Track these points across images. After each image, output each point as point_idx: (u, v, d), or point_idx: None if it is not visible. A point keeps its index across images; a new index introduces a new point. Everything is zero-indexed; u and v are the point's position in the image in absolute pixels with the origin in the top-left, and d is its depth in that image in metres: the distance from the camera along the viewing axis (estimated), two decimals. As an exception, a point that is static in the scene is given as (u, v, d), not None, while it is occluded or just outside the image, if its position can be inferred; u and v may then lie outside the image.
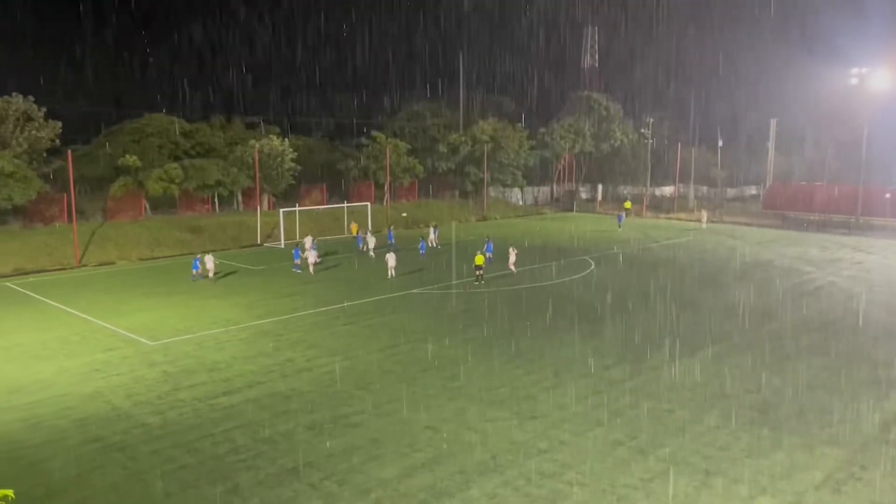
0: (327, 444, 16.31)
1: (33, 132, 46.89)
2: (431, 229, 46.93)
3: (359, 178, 62.68)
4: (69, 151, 43.19)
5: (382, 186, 60.88)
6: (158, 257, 42.79)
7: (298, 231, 47.42)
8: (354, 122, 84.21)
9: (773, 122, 72.75)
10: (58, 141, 48.54)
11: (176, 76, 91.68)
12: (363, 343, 24.42)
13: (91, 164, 52.40)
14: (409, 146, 65.30)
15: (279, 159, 55.25)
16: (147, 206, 51.16)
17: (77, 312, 28.87)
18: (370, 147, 62.97)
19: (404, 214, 41.64)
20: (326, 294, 32.19)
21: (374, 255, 41.58)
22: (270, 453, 15.83)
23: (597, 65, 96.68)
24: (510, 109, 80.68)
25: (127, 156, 50.24)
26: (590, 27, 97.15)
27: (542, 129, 77.96)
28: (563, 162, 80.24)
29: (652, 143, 76.65)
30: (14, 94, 46.78)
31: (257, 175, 52.65)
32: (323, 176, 62.24)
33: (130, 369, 21.63)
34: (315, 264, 37.35)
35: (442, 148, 68.73)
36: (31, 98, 47.23)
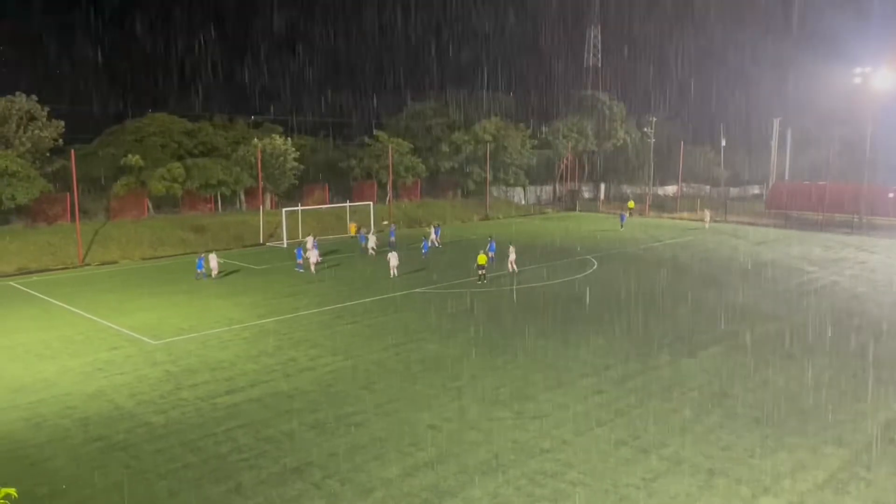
0: (330, 443, 16.31)
1: (36, 132, 46.96)
2: (432, 229, 46.98)
3: (361, 178, 62.72)
4: (72, 151, 43.29)
5: (385, 186, 60.90)
6: (161, 257, 42.86)
7: (301, 230, 47.46)
8: (357, 121, 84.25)
9: (776, 122, 72.69)
10: (61, 140, 48.59)
11: (178, 75, 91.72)
12: (366, 342, 24.43)
13: (94, 163, 52.47)
14: (412, 145, 65.33)
15: (282, 159, 55.29)
16: (150, 206, 51.25)
17: (80, 312, 28.92)
18: (372, 146, 63.01)
19: (385, 222, 42.47)
20: (329, 293, 32.21)
21: (373, 253, 41.94)
22: (273, 452, 15.84)
23: (599, 64, 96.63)
24: (513, 108, 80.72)
25: (130, 155, 50.31)
26: (592, 26, 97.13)
27: (545, 129, 77.94)
28: (565, 161, 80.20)
29: (654, 143, 76.58)
30: (17, 93, 46.87)
31: (260, 174, 52.69)
32: (325, 175, 62.30)
33: (133, 368, 21.66)
34: (316, 264, 37.40)
35: (444, 147, 68.73)
36: (35, 97, 47.31)
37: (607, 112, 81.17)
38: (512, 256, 36.61)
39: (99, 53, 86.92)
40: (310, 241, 39.58)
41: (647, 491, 14.13)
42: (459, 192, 71.05)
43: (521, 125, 73.65)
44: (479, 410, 18.25)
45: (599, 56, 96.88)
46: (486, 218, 65.06)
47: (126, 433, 16.87)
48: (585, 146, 78.95)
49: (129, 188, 49.86)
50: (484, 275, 34.42)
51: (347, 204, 53.36)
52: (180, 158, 53.72)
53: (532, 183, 76.32)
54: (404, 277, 35.51)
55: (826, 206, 62.06)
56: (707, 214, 61.12)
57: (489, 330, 25.93)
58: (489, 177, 68.77)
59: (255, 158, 52.88)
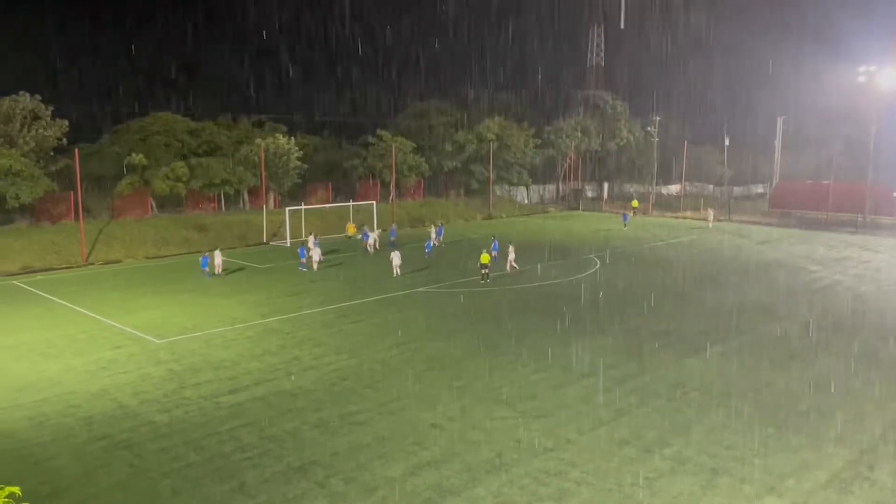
0: (333, 442, 16.32)
1: (40, 131, 47.07)
2: (433, 228, 46.97)
3: (364, 177, 62.73)
4: (76, 150, 43.36)
5: (388, 185, 60.90)
6: (165, 256, 42.92)
7: (304, 230, 47.51)
8: (360, 120, 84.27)
9: (780, 121, 72.54)
10: (65, 140, 48.70)
11: (182, 75, 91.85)
12: (369, 341, 24.44)
13: (98, 162, 52.65)
14: (415, 145, 65.32)
15: (285, 158, 55.34)
16: (153, 205, 51.35)
17: (84, 310, 28.97)
18: (376, 145, 63.00)
19: (348, 236, 43.32)
20: (332, 292, 32.23)
21: (373, 251, 42.94)
22: (277, 451, 15.86)
23: (603, 63, 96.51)
24: (516, 108, 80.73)
25: (133, 154, 50.39)
26: (596, 26, 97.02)
27: (548, 128, 77.86)
28: (568, 160, 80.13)
29: (657, 142, 76.47)
30: (21, 92, 46.98)
31: (263, 174, 52.73)
32: (329, 175, 62.30)
33: (137, 367, 21.69)
34: (319, 262, 37.43)
35: (447, 146, 68.70)
36: (38, 97, 47.42)
37: (611, 111, 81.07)
38: (511, 256, 36.61)
39: (103, 52, 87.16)
40: (311, 239, 39.68)
41: (651, 490, 14.12)
42: (462, 191, 71.04)
43: (525, 124, 73.60)
44: (483, 409, 18.25)
45: (603, 55, 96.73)
46: (489, 217, 65.03)
47: (129, 432, 16.90)
48: (589, 145, 78.86)
49: (132, 187, 49.94)
50: (487, 274, 34.40)
51: (351, 203, 53.38)
52: (184, 158, 53.78)
53: (535, 182, 76.29)
54: (407, 276, 35.52)
55: (830, 205, 61.93)
56: (710, 214, 61.02)
57: (492, 329, 25.92)
58: (492, 176, 68.74)
59: (259, 158, 52.92)
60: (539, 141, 74.78)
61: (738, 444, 16.12)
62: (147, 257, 42.29)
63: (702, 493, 14.01)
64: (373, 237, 44.22)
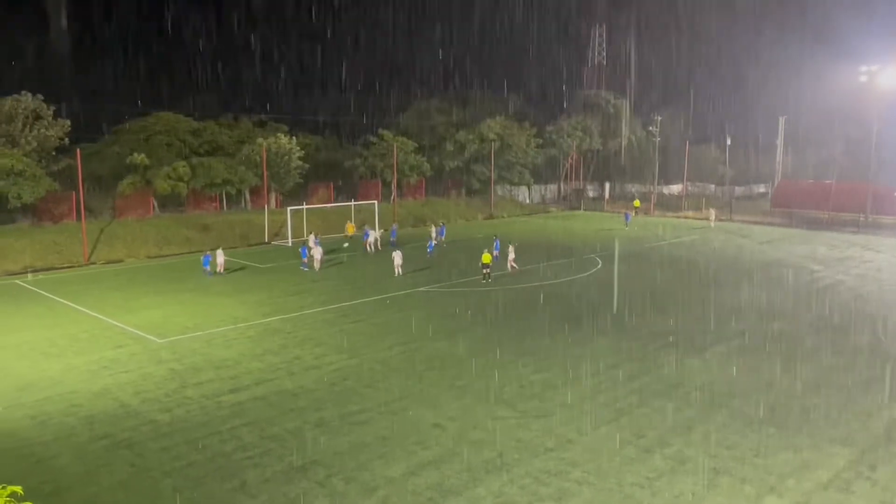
0: (334, 441, 16.33)
1: (42, 131, 47.15)
2: (434, 228, 46.97)
3: (366, 177, 62.76)
4: (78, 150, 43.43)
5: (389, 184, 60.92)
6: (166, 255, 42.97)
7: (306, 229, 47.54)
8: (362, 120, 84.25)
9: (781, 120, 72.50)
10: (66, 139, 48.78)
11: (183, 74, 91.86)
12: (370, 341, 24.45)
13: (100, 162, 52.66)
14: (416, 144, 65.34)
15: (287, 157, 55.36)
16: (155, 205, 51.39)
17: (86, 310, 29.01)
18: (377, 145, 63.02)
19: (346, 245, 43.50)
20: (334, 292, 32.24)
21: (373, 251, 43.09)
22: (278, 451, 15.87)
23: (605, 63, 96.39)
24: (518, 107, 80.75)
25: (135, 154, 50.40)
26: (598, 25, 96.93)
27: (550, 127, 77.87)
28: (570, 160, 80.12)
29: (659, 141, 76.43)
30: (23, 92, 47.04)
31: (265, 173, 52.76)
32: (330, 174, 62.30)
33: (138, 366, 21.72)
34: (320, 261, 37.46)
35: (449, 146, 68.71)
36: (40, 97, 47.47)
37: (612, 111, 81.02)
38: (512, 256, 36.63)
39: (105, 52, 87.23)
40: (311, 239, 39.71)
41: (652, 490, 14.12)
42: (464, 191, 71.05)
43: (526, 124, 73.61)
44: (484, 409, 18.26)
45: (605, 55, 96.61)
46: (491, 217, 65.03)
47: (131, 431, 16.93)
48: (590, 145, 78.84)
49: (134, 187, 49.98)
50: (488, 274, 34.41)
51: (352, 203, 53.41)
52: (186, 157, 53.81)
53: (537, 182, 76.28)
54: (409, 276, 35.53)
55: (832, 205, 61.88)
56: (712, 213, 61.02)
57: (493, 329, 25.93)
58: (494, 175, 68.73)
59: (260, 157, 52.96)
60: (540, 140, 74.77)
61: (738, 444, 16.12)
62: (149, 257, 42.34)
63: (703, 493, 14.00)
64: (373, 236, 44.36)
